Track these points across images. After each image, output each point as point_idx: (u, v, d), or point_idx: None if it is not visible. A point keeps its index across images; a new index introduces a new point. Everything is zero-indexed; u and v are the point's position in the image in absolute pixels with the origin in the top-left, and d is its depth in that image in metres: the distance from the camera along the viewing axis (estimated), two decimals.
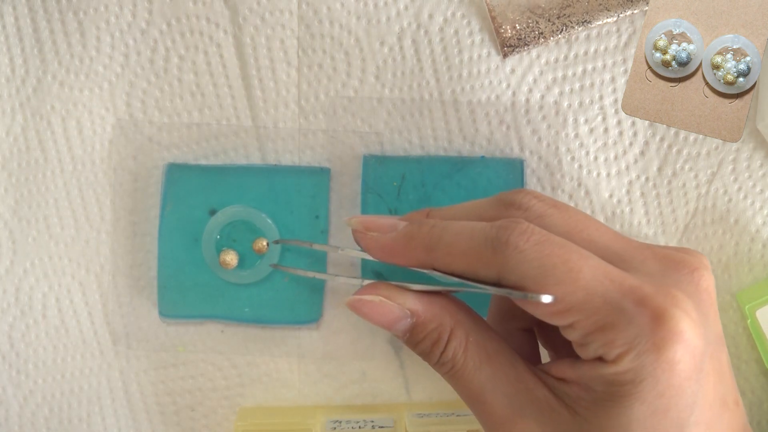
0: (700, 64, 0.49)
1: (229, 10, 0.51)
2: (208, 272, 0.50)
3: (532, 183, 0.51)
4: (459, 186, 0.50)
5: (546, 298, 0.36)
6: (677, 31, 0.49)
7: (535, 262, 0.36)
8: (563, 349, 0.43)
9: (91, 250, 0.52)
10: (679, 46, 0.49)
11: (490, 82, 0.51)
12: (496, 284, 0.38)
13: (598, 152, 0.51)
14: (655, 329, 0.35)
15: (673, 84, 0.49)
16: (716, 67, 0.49)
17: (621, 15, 0.50)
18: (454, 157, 0.50)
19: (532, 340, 0.46)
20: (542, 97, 0.51)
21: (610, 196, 0.51)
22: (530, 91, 0.51)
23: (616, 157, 0.51)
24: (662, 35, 0.49)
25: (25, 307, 0.52)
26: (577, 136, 0.51)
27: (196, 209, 0.50)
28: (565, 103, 0.51)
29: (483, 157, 0.50)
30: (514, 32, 0.50)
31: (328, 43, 0.51)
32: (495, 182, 0.50)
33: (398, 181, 0.50)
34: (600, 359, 0.36)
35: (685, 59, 0.49)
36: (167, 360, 0.52)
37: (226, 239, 0.50)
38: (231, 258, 0.50)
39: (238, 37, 0.51)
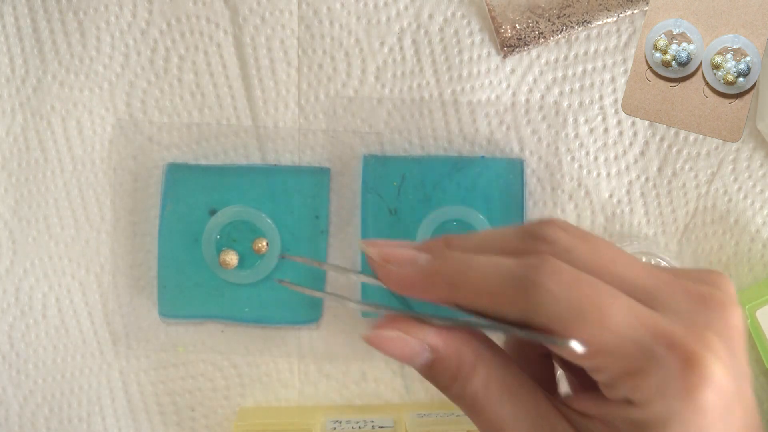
0: (700, 64, 0.49)
1: (229, 10, 0.51)
2: (208, 272, 0.50)
3: (532, 183, 0.51)
4: (459, 186, 0.50)
5: (577, 347, 0.35)
6: (677, 31, 0.49)
7: (564, 303, 0.36)
8: (585, 377, 0.43)
9: (91, 250, 0.52)
10: (679, 46, 0.49)
11: (490, 82, 0.51)
12: (522, 323, 0.38)
13: (598, 152, 0.51)
14: (686, 373, 0.34)
15: (673, 84, 0.49)
16: (716, 67, 0.49)
17: (621, 15, 0.50)
18: (454, 157, 0.50)
19: (549, 366, 0.45)
20: (542, 97, 0.51)
21: (610, 196, 0.51)
22: (530, 91, 0.51)
23: (616, 157, 0.51)
24: (662, 35, 0.49)
25: (25, 307, 0.52)
26: (577, 136, 0.51)
27: (196, 209, 0.50)
28: (565, 103, 0.51)
29: (483, 157, 0.50)
30: (514, 32, 0.50)
31: (328, 43, 0.51)
32: (494, 182, 0.50)
33: (398, 180, 0.50)
34: (627, 401, 0.36)
35: (685, 59, 0.49)
36: (167, 360, 0.52)
37: (226, 239, 0.50)
38: (231, 258, 0.50)
39: (238, 37, 0.51)
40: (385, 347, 0.40)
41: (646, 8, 0.49)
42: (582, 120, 0.51)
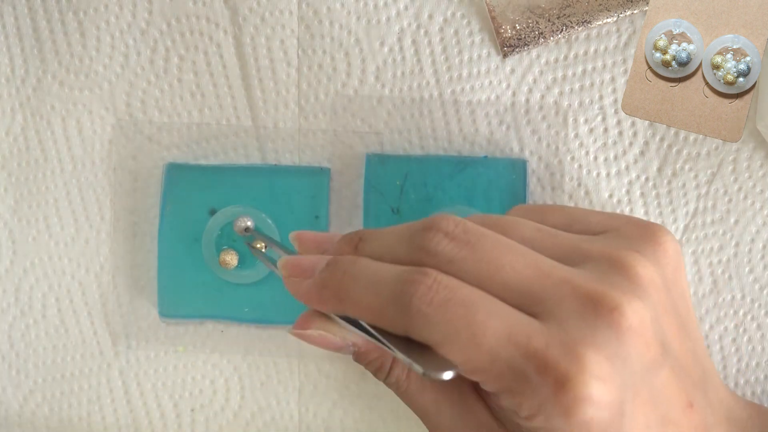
0: (700, 64, 0.49)
1: (229, 10, 0.51)
2: (208, 272, 0.50)
3: (532, 183, 0.51)
4: (460, 186, 0.50)
5: (447, 375, 0.35)
6: (677, 31, 0.49)
7: (438, 326, 0.35)
8: None
9: (91, 250, 0.52)
10: (679, 46, 0.49)
11: (490, 82, 0.51)
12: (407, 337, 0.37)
13: (598, 152, 0.51)
14: (559, 397, 0.34)
15: (673, 84, 0.49)
16: (716, 67, 0.49)
17: (621, 15, 0.50)
18: (456, 156, 0.50)
19: None
20: (542, 97, 0.51)
21: (610, 196, 0.51)
22: (530, 91, 0.51)
23: (616, 157, 0.51)
24: (662, 35, 0.49)
25: (24, 306, 0.52)
26: (577, 136, 0.51)
27: (196, 209, 0.50)
28: (565, 103, 0.51)
29: (486, 157, 0.50)
30: (514, 32, 0.50)
31: (328, 43, 0.51)
32: (496, 183, 0.50)
33: (401, 180, 0.50)
34: (514, 412, 0.36)
35: (685, 59, 0.49)
36: (167, 360, 0.52)
37: (226, 239, 0.50)
38: (231, 258, 0.50)
39: (238, 37, 0.51)
40: (311, 342, 0.41)
41: (646, 8, 0.49)
42: (582, 120, 0.51)
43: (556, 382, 0.34)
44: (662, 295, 0.38)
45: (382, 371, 0.41)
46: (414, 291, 0.36)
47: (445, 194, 0.50)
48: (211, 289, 0.50)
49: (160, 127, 0.51)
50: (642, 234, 0.40)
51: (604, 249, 0.38)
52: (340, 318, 0.40)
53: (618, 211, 0.51)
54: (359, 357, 0.42)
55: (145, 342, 0.52)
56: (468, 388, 0.40)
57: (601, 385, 0.34)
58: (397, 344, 0.37)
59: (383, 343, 0.38)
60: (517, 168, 0.50)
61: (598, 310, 0.35)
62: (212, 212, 0.50)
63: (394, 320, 0.37)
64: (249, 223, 0.50)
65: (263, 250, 0.49)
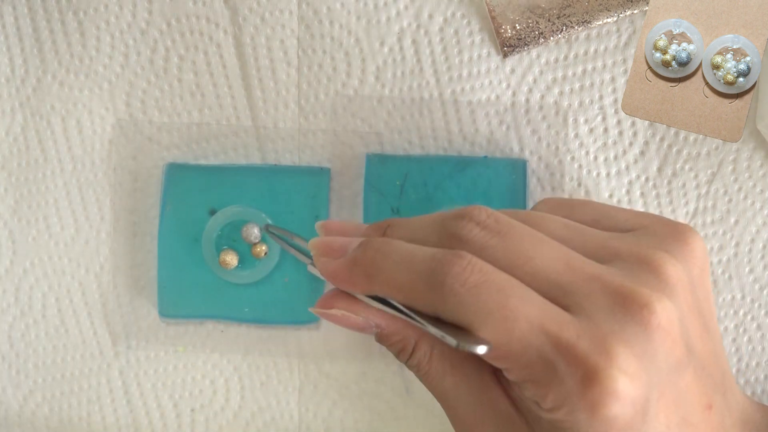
0: (700, 64, 0.49)
1: (229, 10, 0.51)
2: (208, 272, 0.50)
3: (532, 183, 0.51)
4: (460, 186, 0.50)
5: (481, 349, 0.35)
6: (677, 31, 0.49)
7: (471, 307, 0.36)
8: None
9: (91, 250, 0.52)
10: (679, 46, 0.49)
11: (490, 82, 0.51)
12: (437, 318, 0.37)
13: (598, 152, 0.51)
14: (586, 391, 0.34)
15: (673, 84, 0.49)
16: (716, 67, 0.49)
17: (621, 15, 0.50)
18: (456, 156, 0.50)
19: None
20: (542, 97, 0.51)
21: (610, 196, 0.51)
22: (530, 91, 0.51)
23: (616, 157, 0.51)
24: (662, 35, 0.49)
25: (24, 307, 0.52)
26: (577, 136, 0.51)
27: (196, 209, 0.50)
28: (565, 103, 0.51)
29: (486, 157, 0.50)
30: (514, 32, 0.50)
31: (328, 43, 0.51)
32: (496, 183, 0.50)
33: (401, 180, 0.50)
34: (536, 402, 0.36)
35: (685, 59, 0.49)
36: (167, 360, 0.52)
37: (226, 239, 0.50)
38: (231, 258, 0.50)
39: (238, 37, 0.51)
40: (333, 321, 0.41)
41: (646, 8, 0.49)
42: (582, 120, 0.51)
43: (584, 374, 0.34)
44: (689, 295, 0.38)
45: (404, 352, 0.41)
46: (448, 270, 0.36)
47: (445, 194, 0.50)
48: (211, 289, 0.50)
49: (160, 127, 0.51)
50: (671, 233, 0.40)
51: (633, 247, 0.38)
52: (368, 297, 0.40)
53: None
54: (382, 338, 0.41)
55: (145, 342, 0.52)
56: (489, 375, 0.40)
57: (629, 382, 0.34)
58: (427, 322, 0.37)
59: (413, 319, 0.38)
60: (517, 168, 0.50)
61: (627, 307, 0.36)
62: (212, 212, 0.50)
63: (425, 299, 0.37)
64: (255, 231, 0.50)
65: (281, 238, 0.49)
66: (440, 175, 0.50)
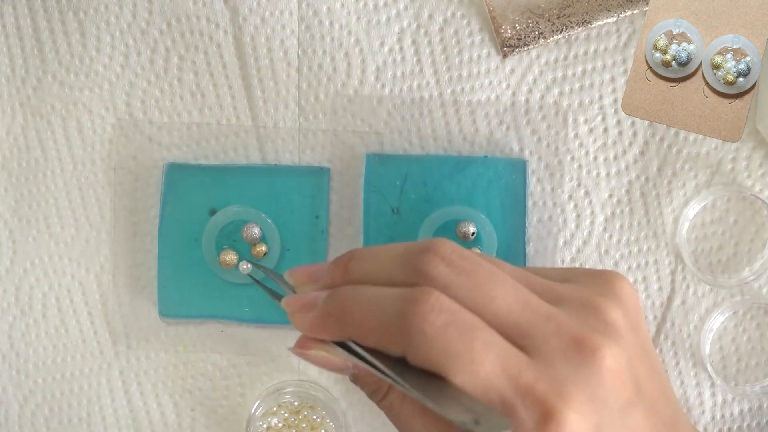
0: (700, 64, 0.49)
1: (229, 10, 0.51)
2: (208, 272, 0.50)
3: (532, 183, 0.51)
4: (460, 186, 0.50)
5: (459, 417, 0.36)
6: (677, 31, 0.49)
7: (439, 346, 0.37)
8: None
9: (91, 249, 0.52)
10: (679, 46, 0.49)
11: (490, 82, 0.51)
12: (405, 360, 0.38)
13: (597, 152, 0.51)
14: (544, 428, 0.36)
15: (673, 84, 0.49)
16: (716, 67, 0.49)
17: (621, 15, 0.50)
18: (456, 156, 0.50)
19: None
20: (542, 97, 0.51)
21: (610, 196, 0.51)
22: (530, 91, 0.51)
23: (615, 157, 0.51)
24: (662, 35, 0.49)
25: (25, 306, 0.52)
26: (576, 136, 0.51)
27: (196, 209, 0.50)
28: (565, 103, 0.51)
29: (486, 157, 0.50)
30: (513, 32, 0.50)
31: (328, 43, 0.51)
32: (496, 183, 0.50)
33: (401, 180, 0.50)
34: None
35: (685, 59, 0.49)
36: (167, 360, 0.52)
37: (226, 239, 0.50)
38: (231, 258, 0.50)
39: (238, 37, 0.51)
40: (312, 362, 0.43)
41: (646, 8, 0.49)
42: (582, 120, 0.51)
43: (542, 414, 0.36)
44: (632, 337, 0.40)
45: (378, 393, 0.43)
46: (416, 310, 0.37)
47: (445, 194, 0.50)
48: (212, 289, 0.51)
49: (160, 127, 0.51)
50: (601, 281, 0.41)
51: (575, 293, 0.40)
52: (342, 347, 0.41)
53: (618, 211, 0.51)
54: (357, 378, 0.43)
55: (145, 342, 0.52)
56: None
57: (582, 421, 0.36)
58: (394, 370, 0.38)
59: (391, 379, 0.39)
60: (517, 168, 0.50)
61: (581, 351, 0.37)
62: (212, 212, 0.50)
63: (395, 339, 0.38)
64: (256, 231, 0.50)
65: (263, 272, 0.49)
66: (440, 175, 0.50)
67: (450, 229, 0.50)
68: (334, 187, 0.51)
